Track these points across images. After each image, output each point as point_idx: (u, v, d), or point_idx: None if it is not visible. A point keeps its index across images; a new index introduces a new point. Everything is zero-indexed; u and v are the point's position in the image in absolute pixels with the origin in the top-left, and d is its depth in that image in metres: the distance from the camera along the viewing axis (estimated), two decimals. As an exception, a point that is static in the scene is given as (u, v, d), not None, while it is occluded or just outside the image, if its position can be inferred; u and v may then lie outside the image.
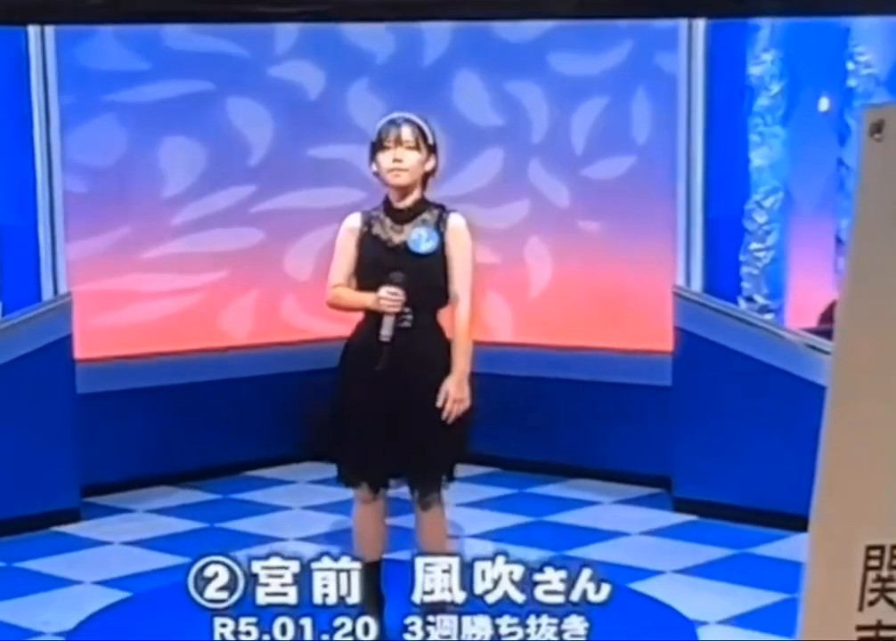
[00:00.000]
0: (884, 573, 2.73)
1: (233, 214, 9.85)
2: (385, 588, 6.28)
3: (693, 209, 8.51)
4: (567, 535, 8.08)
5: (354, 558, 5.50)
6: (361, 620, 6.12)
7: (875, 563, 2.73)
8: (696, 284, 8.50)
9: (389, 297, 5.99)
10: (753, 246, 8.41)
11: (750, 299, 8.43)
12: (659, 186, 8.81)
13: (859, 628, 2.74)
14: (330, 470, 8.99)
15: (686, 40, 8.45)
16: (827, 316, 8.38)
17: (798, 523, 7.84)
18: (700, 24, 8.34)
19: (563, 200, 9.71)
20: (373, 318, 6.07)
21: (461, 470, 8.87)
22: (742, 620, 6.56)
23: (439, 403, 6.04)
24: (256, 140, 9.94)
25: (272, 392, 9.74)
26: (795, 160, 8.45)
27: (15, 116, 8.29)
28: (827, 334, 8.03)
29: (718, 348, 8.23)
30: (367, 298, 6.05)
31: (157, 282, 9.52)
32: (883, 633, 2.75)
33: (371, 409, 6.08)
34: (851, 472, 2.73)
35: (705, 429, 8.35)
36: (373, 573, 6.25)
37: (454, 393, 6.04)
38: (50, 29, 8.21)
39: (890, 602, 2.73)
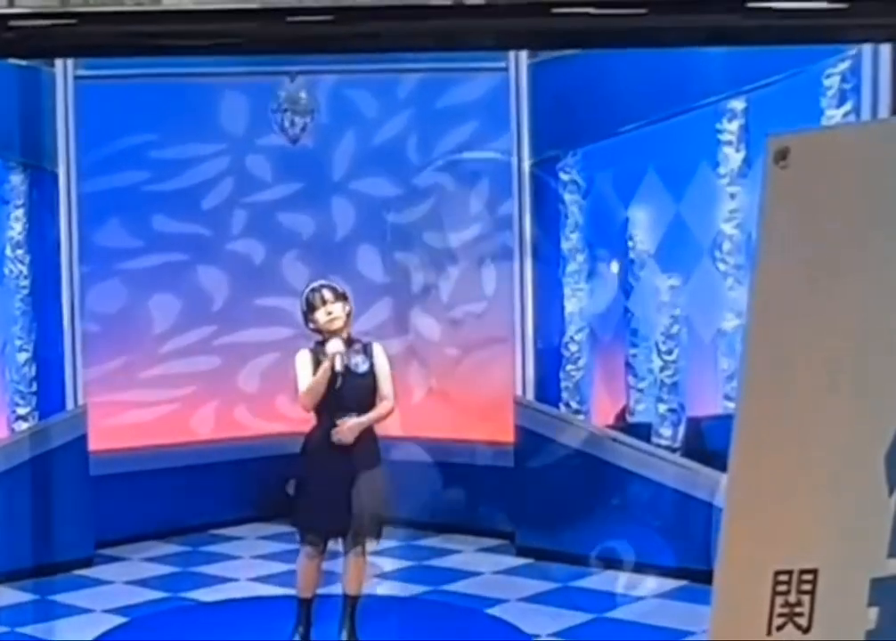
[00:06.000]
0: (792, 598, 2.08)
1: (200, 346, 9.84)
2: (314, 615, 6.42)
3: (526, 342, 8.59)
4: (440, 574, 8.15)
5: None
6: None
7: (783, 587, 2.08)
8: (530, 394, 8.57)
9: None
10: (569, 367, 8.49)
11: (567, 405, 8.48)
12: (503, 326, 8.88)
13: None
14: (270, 529, 9.13)
15: (517, 226, 8.60)
16: (620, 416, 8.57)
17: (602, 562, 8.05)
18: (528, 220, 8.56)
19: (435, 335, 9.74)
20: (325, 423, 6.16)
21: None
22: (564, 634, 6.70)
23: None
24: (216, 293, 9.95)
25: (227, 472, 9.65)
26: (596, 307, 8.52)
27: (50, 281, 8.37)
28: (620, 429, 8.27)
29: (545, 439, 8.34)
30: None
31: (147, 395, 9.47)
32: None
33: (325, 489, 6.14)
34: (759, 497, 2.05)
35: (538, 497, 8.41)
36: (308, 606, 6.41)
37: (352, 425, 6.24)
38: (75, 222, 8.33)
39: (798, 626, 2.08)
